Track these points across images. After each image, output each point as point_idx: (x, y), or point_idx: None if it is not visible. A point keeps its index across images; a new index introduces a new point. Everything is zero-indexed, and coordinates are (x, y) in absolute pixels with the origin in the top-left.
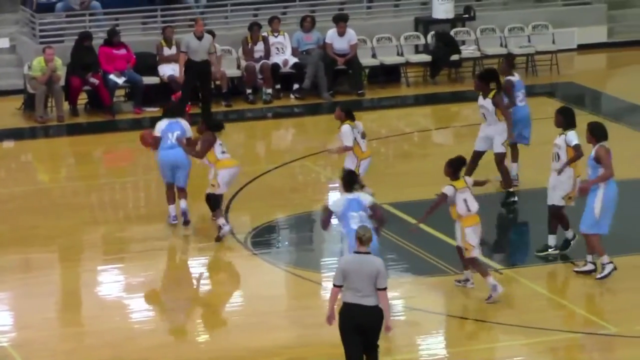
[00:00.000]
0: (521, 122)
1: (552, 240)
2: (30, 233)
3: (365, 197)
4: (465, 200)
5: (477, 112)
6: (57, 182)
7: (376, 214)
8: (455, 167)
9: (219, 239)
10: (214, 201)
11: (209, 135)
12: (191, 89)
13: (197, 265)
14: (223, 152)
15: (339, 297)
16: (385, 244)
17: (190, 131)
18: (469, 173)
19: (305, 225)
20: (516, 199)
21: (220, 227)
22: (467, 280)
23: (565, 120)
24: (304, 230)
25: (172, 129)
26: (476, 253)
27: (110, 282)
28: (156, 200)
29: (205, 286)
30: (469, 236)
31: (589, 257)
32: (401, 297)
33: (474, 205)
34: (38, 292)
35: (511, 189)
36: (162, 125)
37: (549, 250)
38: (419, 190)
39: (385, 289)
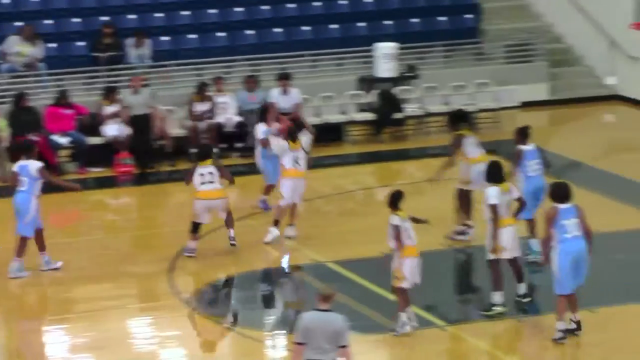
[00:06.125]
0: (527, 194)
1: (496, 297)
2: None
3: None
4: None
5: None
6: (2, 243)
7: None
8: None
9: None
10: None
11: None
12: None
13: (141, 325)
14: (202, 183)
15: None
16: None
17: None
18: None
19: (249, 283)
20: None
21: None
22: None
23: (489, 175)
24: (247, 289)
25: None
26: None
27: (54, 342)
28: (102, 261)
29: (148, 346)
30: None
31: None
32: None
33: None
34: None
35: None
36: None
37: (494, 308)
38: (363, 248)
39: (345, 346)
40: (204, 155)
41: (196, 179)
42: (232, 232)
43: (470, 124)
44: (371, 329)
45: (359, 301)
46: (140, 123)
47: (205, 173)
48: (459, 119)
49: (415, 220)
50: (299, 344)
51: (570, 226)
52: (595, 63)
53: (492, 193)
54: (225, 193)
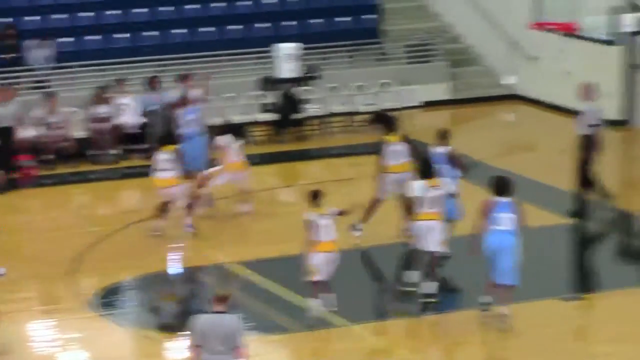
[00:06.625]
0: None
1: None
2: None
3: None
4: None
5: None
6: None
7: None
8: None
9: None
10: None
11: None
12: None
13: (43, 328)
14: (162, 170)
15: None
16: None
17: None
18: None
19: (152, 285)
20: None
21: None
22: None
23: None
24: (150, 290)
25: None
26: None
27: None
28: (3, 263)
29: (50, 349)
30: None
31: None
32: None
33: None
34: None
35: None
36: None
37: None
38: (266, 248)
39: (241, 347)
40: (165, 141)
41: (157, 164)
42: (188, 220)
43: (392, 128)
44: (272, 329)
45: (260, 302)
46: (4, 135)
47: (164, 160)
48: (379, 122)
49: (341, 213)
50: (195, 346)
51: (502, 220)
52: (495, 63)
53: (415, 186)
54: (181, 180)
